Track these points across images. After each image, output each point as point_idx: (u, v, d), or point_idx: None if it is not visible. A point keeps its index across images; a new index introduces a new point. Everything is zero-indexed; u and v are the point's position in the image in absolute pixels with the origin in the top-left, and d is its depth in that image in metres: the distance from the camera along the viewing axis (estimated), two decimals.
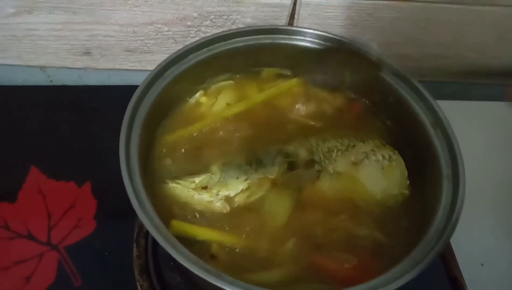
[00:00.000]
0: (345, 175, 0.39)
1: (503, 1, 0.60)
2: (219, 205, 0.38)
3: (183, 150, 0.41)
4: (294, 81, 0.47)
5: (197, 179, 0.38)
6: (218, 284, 0.27)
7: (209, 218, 0.37)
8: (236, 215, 0.38)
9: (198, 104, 0.45)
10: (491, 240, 0.53)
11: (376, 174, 0.39)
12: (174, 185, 0.38)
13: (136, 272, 0.46)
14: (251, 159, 0.40)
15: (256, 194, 0.38)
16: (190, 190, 0.38)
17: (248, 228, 0.36)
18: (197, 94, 0.45)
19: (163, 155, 0.41)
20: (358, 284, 0.29)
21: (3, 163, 0.55)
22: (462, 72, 0.72)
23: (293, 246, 0.36)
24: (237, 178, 0.39)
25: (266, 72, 0.48)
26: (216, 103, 0.45)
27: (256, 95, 0.46)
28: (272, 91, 0.46)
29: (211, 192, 0.38)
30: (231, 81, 0.47)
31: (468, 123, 0.65)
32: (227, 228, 0.37)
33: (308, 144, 0.41)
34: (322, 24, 0.60)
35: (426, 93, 0.40)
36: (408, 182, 0.39)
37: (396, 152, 0.41)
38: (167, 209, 0.37)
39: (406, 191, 0.39)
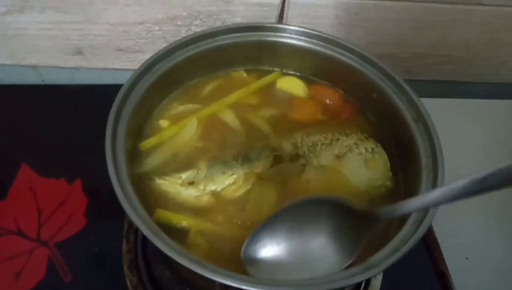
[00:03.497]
0: (329, 168, 0.40)
1: (490, 0, 0.62)
2: (206, 200, 0.38)
3: (169, 147, 0.41)
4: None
5: (184, 175, 0.39)
6: (201, 272, 0.28)
7: (196, 211, 0.38)
8: (223, 209, 0.38)
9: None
10: (476, 234, 0.54)
11: (359, 166, 0.40)
12: (161, 181, 0.39)
13: (125, 268, 0.47)
14: (237, 154, 0.41)
15: (242, 188, 0.39)
16: (177, 185, 0.38)
17: (233, 220, 0.37)
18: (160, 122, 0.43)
19: (149, 151, 0.41)
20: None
21: None
22: (451, 71, 0.73)
23: None
24: (224, 173, 0.39)
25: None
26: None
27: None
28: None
29: (198, 187, 0.38)
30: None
31: (458, 120, 0.67)
32: (213, 221, 0.37)
33: (293, 138, 0.42)
34: (310, 23, 0.61)
35: (408, 88, 0.41)
36: (390, 174, 0.40)
37: (379, 145, 0.41)
38: (154, 205, 0.37)
39: (389, 183, 0.40)
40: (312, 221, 0.32)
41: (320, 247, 0.32)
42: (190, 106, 0.45)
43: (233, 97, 0.45)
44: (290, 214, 0.32)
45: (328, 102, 0.46)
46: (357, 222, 0.31)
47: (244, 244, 0.32)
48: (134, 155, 0.40)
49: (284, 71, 0.49)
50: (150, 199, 0.38)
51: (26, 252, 0.48)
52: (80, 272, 0.48)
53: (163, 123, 0.43)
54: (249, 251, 0.32)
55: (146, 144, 0.41)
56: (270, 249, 0.32)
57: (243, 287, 0.27)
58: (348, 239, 0.31)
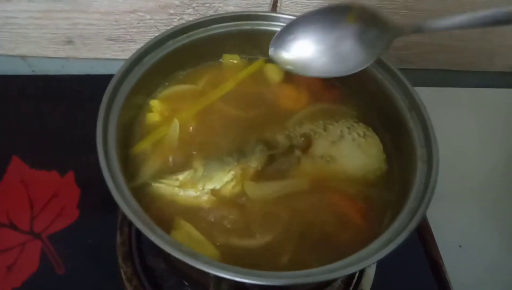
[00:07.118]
0: (325, 156, 0.40)
1: None
2: (205, 199, 0.38)
3: (160, 150, 0.41)
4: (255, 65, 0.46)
5: (181, 176, 0.38)
6: (193, 264, 0.27)
7: (195, 212, 0.37)
8: (223, 205, 0.38)
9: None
10: (469, 223, 0.55)
11: (354, 152, 0.40)
12: (158, 185, 0.38)
13: (120, 259, 0.47)
14: (232, 150, 0.40)
15: (240, 183, 0.38)
16: (175, 188, 0.38)
17: (235, 217, 0.37)
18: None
19: (142, 158, 0.40)
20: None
21: None
22: (444, 60, 0.73)
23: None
24: (221, 170, 0.38)
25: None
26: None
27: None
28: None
29: (196, 188, 0.38)
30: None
31: (450, 109, 0.67)
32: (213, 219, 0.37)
33: (286, 129, 0.42)
34: (304, 12, 0.60)
35: (402, 77, 0.40)
36: (384, 156, 0.40)
37: (370, 128, 0.41)
38: (153, 210, 0.36)
39: (384, 165, 0.40)
40: (340, 23, 0.37)
41: (347, 45, 0.37)
42: (182, 86, 0.44)
43: (220, 90, 0.44)
44: (320, 15, 0.37)
45: (314, 87, 0.45)
46: (380, 30, 0.35)
47: (275, 36, 0.37)
48: (126, 162, 0.39)
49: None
50: (148, 205, 0.36)
51: (19, 244, 0.48)
52: (74, 264, 0.48)
53: (154, 103, 0.42)
54: (279, 41, 0.37)
55: (137, 148, 0.40)
56: (300, 42, 0.37)
57: (237, 279, 0.27)
58: (371, 42, 0.36)
